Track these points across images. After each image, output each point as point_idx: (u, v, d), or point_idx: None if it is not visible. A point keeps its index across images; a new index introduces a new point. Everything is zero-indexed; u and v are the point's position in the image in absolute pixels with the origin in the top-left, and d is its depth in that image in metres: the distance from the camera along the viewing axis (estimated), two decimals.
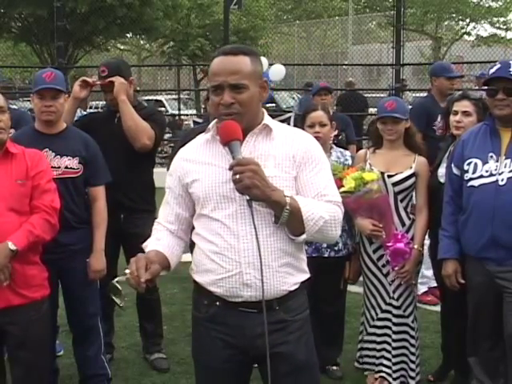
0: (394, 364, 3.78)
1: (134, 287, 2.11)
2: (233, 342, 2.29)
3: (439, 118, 5.13)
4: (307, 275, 2.36)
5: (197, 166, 2.29)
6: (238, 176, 2.02)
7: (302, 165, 2.25)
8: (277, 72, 9.48)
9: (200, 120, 8.06)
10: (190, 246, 2.46)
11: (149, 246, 2.35)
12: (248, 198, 2.05)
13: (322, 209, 2.19)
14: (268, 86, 2.30)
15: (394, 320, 3.77)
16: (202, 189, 2.25)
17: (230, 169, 2.05)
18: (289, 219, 2.13)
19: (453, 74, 5.40)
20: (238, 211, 2.20)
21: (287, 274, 2.25)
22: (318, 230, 2.18)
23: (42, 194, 3.08)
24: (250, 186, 2.02)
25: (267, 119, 2.31)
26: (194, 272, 2.36)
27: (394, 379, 3.78)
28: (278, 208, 2.12)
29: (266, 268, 2.19)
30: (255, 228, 2.08)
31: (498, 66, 3.17)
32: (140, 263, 2.12)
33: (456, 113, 3.77)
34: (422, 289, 5.26)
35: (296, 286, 2.29)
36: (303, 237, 2.19)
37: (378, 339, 3.84)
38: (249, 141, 2.25)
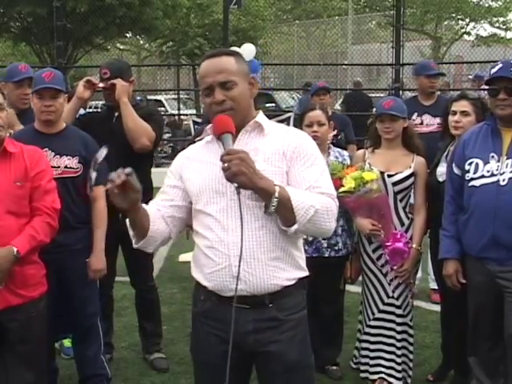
0: (399, 364, 3.78)
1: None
2: (224, 336, 2.25)
3: (414, 116, 5.24)
4: (304, 273, 2.35)
5: (193, 164, 2.37)
6: (226, 164, 2.04)
7: (293, 159, 2.26)
8: (247, 52, 9.50)
9: (199, 120, 8.04)
10: None
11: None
12: (236, 185, 2.06)
13: (314, 199, 2.18)
14: (256, 83, 2.35)
15: (398, 320, 3.77)
16: (196, 184, 2.32)
17: (221, 159, 2.07)
18: (278, 208, 2.12)
19: (431, 72, 5.44)
20: (229, 205, 2.24)
21: (278, 269, 2.25)
22: (310, 220, 2.15)
23: (43, 195, 3.06)
24: (237, 172, 2.03)
25: (260, 117, 2.35)
26: (192, 267, 2.42)
27: (398, 379, 3.77)
28: (267, 196, 2.11)
29: (255, 261, 2.22)
30: (241, 217, 2.09)
31: (500, 65, 3.17)
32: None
33: (454, 113, 3.76)
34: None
35: (289, 283, 2.28)
36: (295, 227, 2.16)
37: (372, 339, 3.83)
38: (241, 138, 2.31)
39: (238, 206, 2.10)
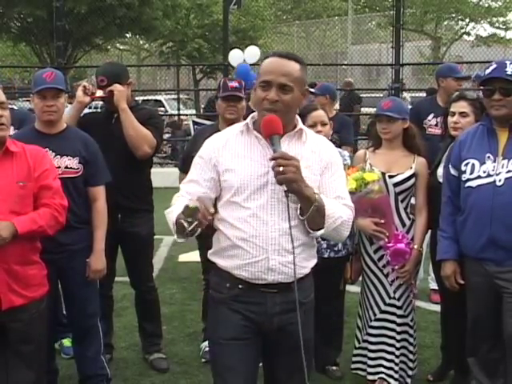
0: (397, 364, 3.78)
1: (198, 220, 2.21)
2: (251, 316, 2.47)
3: (430, 117, 5.24)
4: (316, 260, 2.61)
5: (232, 156, 2.46)
6: (281, 168, 2.21)
7: (326, 169, 2.50)
8: (252, 54, 9.65)
9: (199, 120, 8.03)
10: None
11: (178, 203, 2.41)
12: (286, 189, 2.26)
13: (341, 210, 2.46)
14: (308, 94, 2.47)
15: (398, 320, 3.77)
16: (238, 179, 2.42)
17: (272, 159, 2.25)
18: (313, 214, 2.35)
19: (460, 75, 5.46)
20: (269, 202, 2.41)
21: (304, 260, 2.49)
22: (335, 228, 2.43)
23: (51, 193, 3.07)
24: (293, 179, 2.24)
25: (301, 124, 2.52)
26: (216, 257, 2.53)
27: (395, 379, 3.78)
28: (308, 203, 2.33)
29: (288, 254, 2.40)
30: (289, 215, 2.30)
31: (494, 66, 3.16)
32: (200, 200, 2.26)
33: (453, 114, 3.76)
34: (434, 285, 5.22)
35: (309, 270, 2.55)
36: (321, 232, 2.43)
37: (373, 340, 3.83)
38: (285, 141, 2.43)
39: (276, 203, 2.37)
